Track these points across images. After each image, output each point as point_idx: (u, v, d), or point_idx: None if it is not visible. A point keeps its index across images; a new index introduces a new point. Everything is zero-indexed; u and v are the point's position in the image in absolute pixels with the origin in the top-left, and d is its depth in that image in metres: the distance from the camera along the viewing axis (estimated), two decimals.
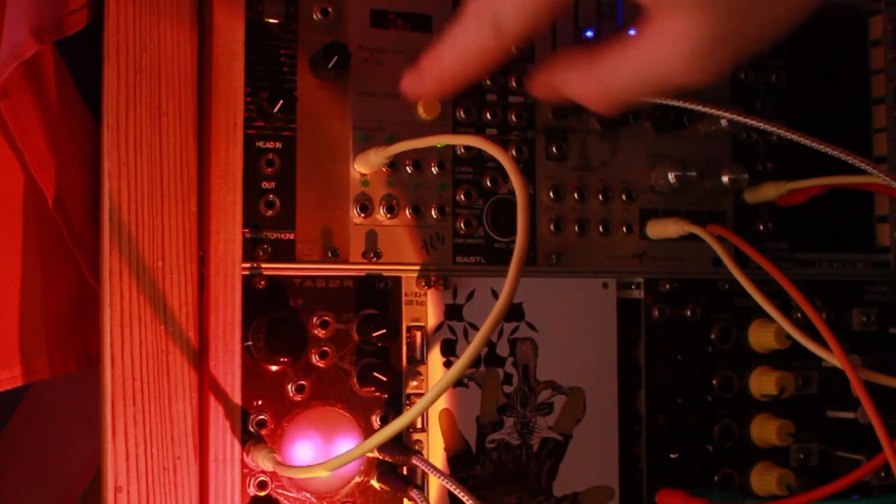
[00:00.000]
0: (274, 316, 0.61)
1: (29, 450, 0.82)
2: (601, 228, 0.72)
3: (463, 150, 0.68)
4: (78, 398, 0.78)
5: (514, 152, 0.69)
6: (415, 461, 0.63)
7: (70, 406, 0.78)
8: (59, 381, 0.76)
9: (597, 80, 0.52)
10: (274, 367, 0.62)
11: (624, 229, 0.73)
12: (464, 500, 0.61)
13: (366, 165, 0.64)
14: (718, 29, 0.47)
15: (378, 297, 0.65)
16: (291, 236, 0.64)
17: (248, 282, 0.62)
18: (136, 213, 0.59)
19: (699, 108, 0.61)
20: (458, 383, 0.67)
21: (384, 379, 0.64)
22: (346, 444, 0.63)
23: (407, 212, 0.66)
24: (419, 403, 0.51)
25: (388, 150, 0.61)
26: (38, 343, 0.67)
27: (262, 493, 0.61)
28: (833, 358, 0.65)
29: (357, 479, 0.64)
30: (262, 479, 0.61)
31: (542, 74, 0.55)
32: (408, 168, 0.66)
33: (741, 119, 0.61)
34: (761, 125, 0.61)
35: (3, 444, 0.81)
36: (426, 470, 0.63)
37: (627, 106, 0.54)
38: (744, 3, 0.46)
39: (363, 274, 0.65)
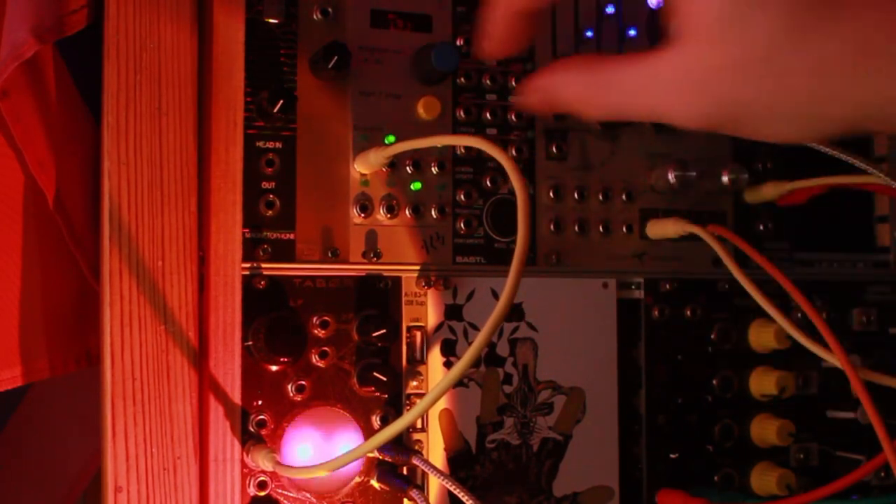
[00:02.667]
0: (274, 316, 0.62)
1: (28, 450, 0.82)
2: (601, 228, 0.72)
3: (463, 150, 0.68)
4: (78, 399, 0.78)
5: (514, 152, 0.69)
6: (415, 461, 0.63)
7: (70, 406, 0.78)
8: (59, 381, 0.75)
9: (598, 84, 0.51)
10: (274, 367, 0.62)
11: (624, 229, 0.73)
12: (464, 500, 0.61)
13: (366, 165, 0.64)
14: (711, 75, 0.46)
15: (378, 297, 0.66)
16: (291, 236, 0.64)
17: (248, 282, 0.62)
18: (136, 213, 0.59)
19: None
20: (458, 383, 0.67)
21: (384, 379, 0.64)
22: (347, 445, 0.63)
23: (407, 212, 0.67)
24: (420, 404, 0.51)
25: (388, 150, 0.61)
26: (38, 343, 0.67)
27: (262, 493, 0.62)
28: (833, 358, 0.65)
29: (357, 479, 0.64)
30: (261, 479, 0.61)
31: (543, 76, 0.54)
32: (408, 168, 0.66)
33: None
34: None
35: (3, 445, 0.81)
36: (426, 470, 0.64)
37: (619, 119, 0.54)
38: (748, 66, 0.45)
39: (363, 274, 0.65)
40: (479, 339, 0.47)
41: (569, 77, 0.52)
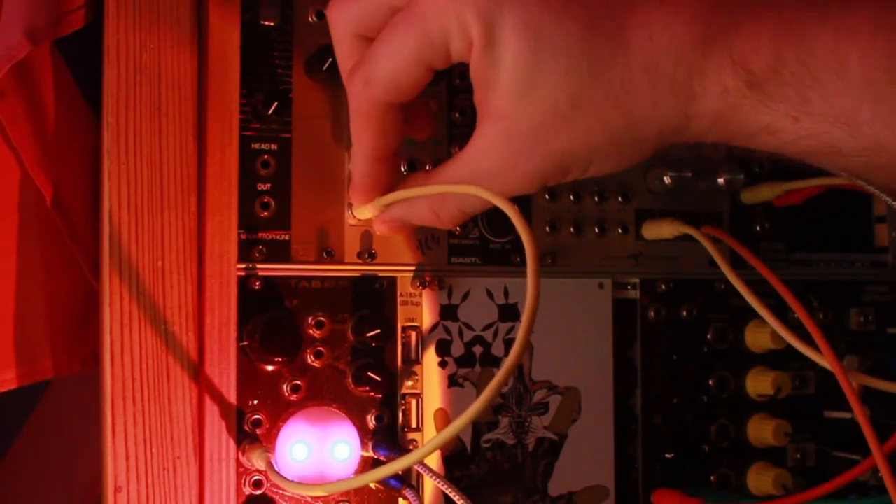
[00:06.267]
0: (269, 316, 0.64)
1: (46, 450, 0.83)
2: (597, 229, 0.75)
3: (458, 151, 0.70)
4: (96, 398, 0.80)
5: None
6: None
7: (87, 406, 0.78)
8: (77, 381, 0.77)
9: (436, 201, 0.58)
10: (269, 367, 0.64)
11: (619, 230, 0.76)
12: (457, 501, 0.63)
13: (362, 213, 0.65)
14: (524, 139, 0.52)
15: (373, 298, 0.68)
16: (287, 237, 0.66)
17: (243, 282, 0.64)
18: (136, 213, 0.61)
19: None
20: (454, 383, 0.70)
21: (378, 379, 0.66)
22: (342, 445, 0.65)
23: None
24: (452, 426, 0.50)
25: (384, 199, 0.62)
26: (41, 344, 0.68)
27: (258, 492, 0.64)
28: (824, 360, 0.67)
29: None
30: (257, 478, 0.64)
31: (391, 210, 0.62)
32: (403, 169, 0.69)
33: None
34: None
35: (21, 445, 0.83)
36: (420, 470, 0.66)
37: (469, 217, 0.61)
38: (555, 115, 0.51)
39: (358, 274, 0.68)
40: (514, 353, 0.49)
41: (411, 206, 0.59)
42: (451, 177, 0.56)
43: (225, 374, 0.63)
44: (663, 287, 0.77)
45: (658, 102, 0.50)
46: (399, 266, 0.69)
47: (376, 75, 0.54)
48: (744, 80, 0.49)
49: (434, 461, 0.69)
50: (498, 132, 0.52)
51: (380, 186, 0.61)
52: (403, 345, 0.69)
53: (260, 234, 0.65)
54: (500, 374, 0.48)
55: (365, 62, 0.55)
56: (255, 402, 0.64)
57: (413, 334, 0.69)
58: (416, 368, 0.69)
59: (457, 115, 0.71)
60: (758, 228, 0.81)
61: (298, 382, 0.65)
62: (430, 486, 0.68)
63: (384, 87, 0.55)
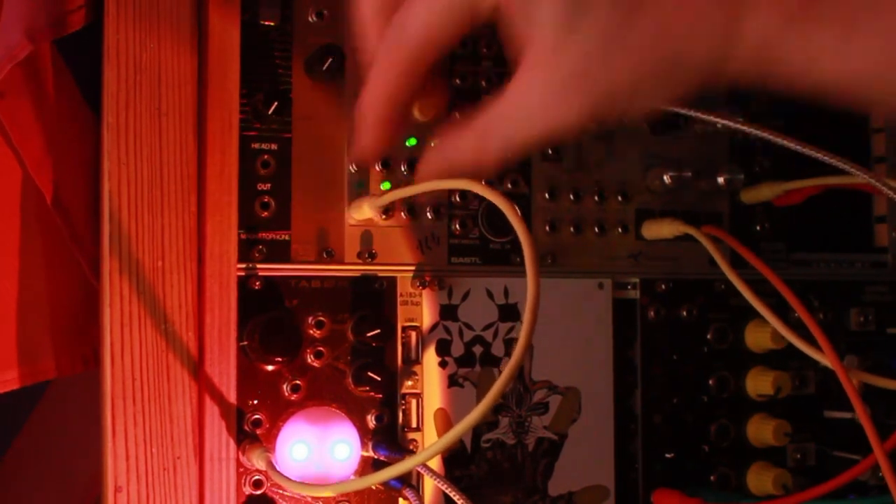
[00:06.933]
0: (269, 316, 0.65)
1: (46, 450, 0.84)
2: (597, 229, 0.75)
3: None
4: (95, 397, 0.80)
5: None
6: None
7: (87, 406, 0.78)
8: (77, 381, 0.77)
9: (481, 135, 0.56)
10: (269, 367, 0.65)
11: (619, 230, 0.76)
12: (458, 501, 0.64)
13: (360, 213, 0.66)
14: (571, 72, 0.51)
15: (373, 298, 0.69)
16: (287, 237, 0.67)
17: (243, 282, 0.65)
18: (136, 213, 0.61)
19: (692, 113, 0.64)
20: (454, 383, 0.70)
21: (378, 379, 0.67)
22: (342, 445, 0.65)
23: (402, 213, 0.69)
24: (452, 433, 0.50)
25: (382, 199, 0.63)
26: (43, 344, 0.69)
27: (258, 492, 0.65)
28: (826, 359, 0.68)
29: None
30: (257, 477, 0.64)
31: (432, 153, 0.59)
32: (403, 169, 0.69)
33: (732, 125, 0.63)
34: (753, 131, 0.64)
35: (21, 445, 0.83)
36: (420, 470, 0.66)
37: (513, 158, 0.59)
38: (597, 52, 0.51)
39: (358, 275, 0.68)
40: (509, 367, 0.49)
41: (453, 143, 0.57)
42: (497, 115, 0.55)
43: (225, 374, 0.63)
44: (663, 287, 0.77)
45: (698, 35, 0.50)
46: (399, 266, 0.69)
47: (412, 24, 0.53)
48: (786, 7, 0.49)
49: (434, 461, 0.70)
50: (543, 68, 0.52)
51: (394, 134, 0.58)
52: (403, 345, 0.69)
53: (260, 234, 0.66)
54: (504, 374, 0.48)
55: (400, 14, 0.54)
56: (255, 401, 0.65)
57: (413, 334, 0.70)
58: (416, 368, 0.70)
59: (458, 115, 0.71)
60: (758, 228, 0.81)
61: (298, 382, 0.66)
62: (430, 485, 0.69)
63: (418, 39, 0.53)
